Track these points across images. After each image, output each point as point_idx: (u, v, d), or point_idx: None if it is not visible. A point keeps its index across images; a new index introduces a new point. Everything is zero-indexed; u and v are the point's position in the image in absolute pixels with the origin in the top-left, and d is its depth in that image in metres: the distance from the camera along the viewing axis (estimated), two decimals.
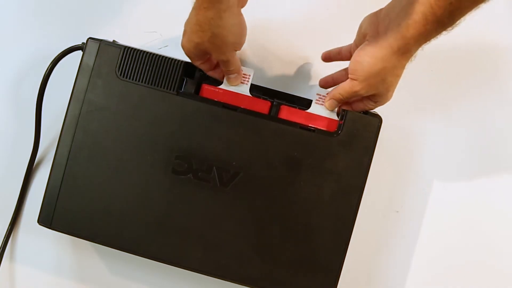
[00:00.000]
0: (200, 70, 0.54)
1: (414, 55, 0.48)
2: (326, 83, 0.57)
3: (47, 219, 0.53)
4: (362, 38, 0.51)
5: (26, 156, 0.61)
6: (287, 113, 0.54)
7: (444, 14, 0.43)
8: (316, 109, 0.54)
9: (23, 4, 0.63)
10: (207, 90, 0.54)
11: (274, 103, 0.54)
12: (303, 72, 0.62)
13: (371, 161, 0.52)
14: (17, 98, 0.62)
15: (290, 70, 0.62)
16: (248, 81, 0.54)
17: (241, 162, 0.52)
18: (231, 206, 0.52)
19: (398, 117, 0.62)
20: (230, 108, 0.53)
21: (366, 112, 0.53)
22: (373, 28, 0.49)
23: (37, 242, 0.62)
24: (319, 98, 0.54)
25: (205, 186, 0.52)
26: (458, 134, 0.62)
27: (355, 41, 0.53)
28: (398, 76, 0.49)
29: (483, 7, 0.44)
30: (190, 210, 0.52)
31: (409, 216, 0.62)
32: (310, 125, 0.53)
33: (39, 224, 0.53)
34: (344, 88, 0.51)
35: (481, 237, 0.62)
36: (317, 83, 0.58)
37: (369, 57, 0.48)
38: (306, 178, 0.52)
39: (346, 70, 0.55)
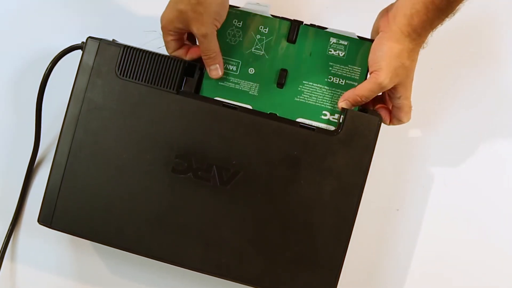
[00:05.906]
0: (200, 69, 0.54)
1: (425, 42, 0.50)
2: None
3: (47, 218, 0.53)
4: (376, 34, 0.52)
5: (26, 155, 0.61)
6: None
7: (442, 2, 0.47)
8: None
9: (23, 3, 0.63)
10: None
11: None
12: None
13: (371, 160, 0.52)
14: (17, 97, 0.62)
15: None
16: None
17: (241, 161, 0.52)
18: (231, 205, 0.52)
19: None
20: (230, 107, 0.53)
21: (366, 111, 0.53)
22: (385, 21, 0.51)
23: (38, 241, 0.62)
24: None
25: (205, 185, 0.52)
26: (459, 132, 0.62)
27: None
28: (414, 60, 0.51)
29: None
30: (190, 209, 0.52)
31: (410, 214, 0.62)
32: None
33: (40, 224, 0.53)
34: (365, 86, 0.51)
35: (483, 235, 0.62)
36: None
37: (386, 42, 0.50)
38: (306, 176, 0.52)
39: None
